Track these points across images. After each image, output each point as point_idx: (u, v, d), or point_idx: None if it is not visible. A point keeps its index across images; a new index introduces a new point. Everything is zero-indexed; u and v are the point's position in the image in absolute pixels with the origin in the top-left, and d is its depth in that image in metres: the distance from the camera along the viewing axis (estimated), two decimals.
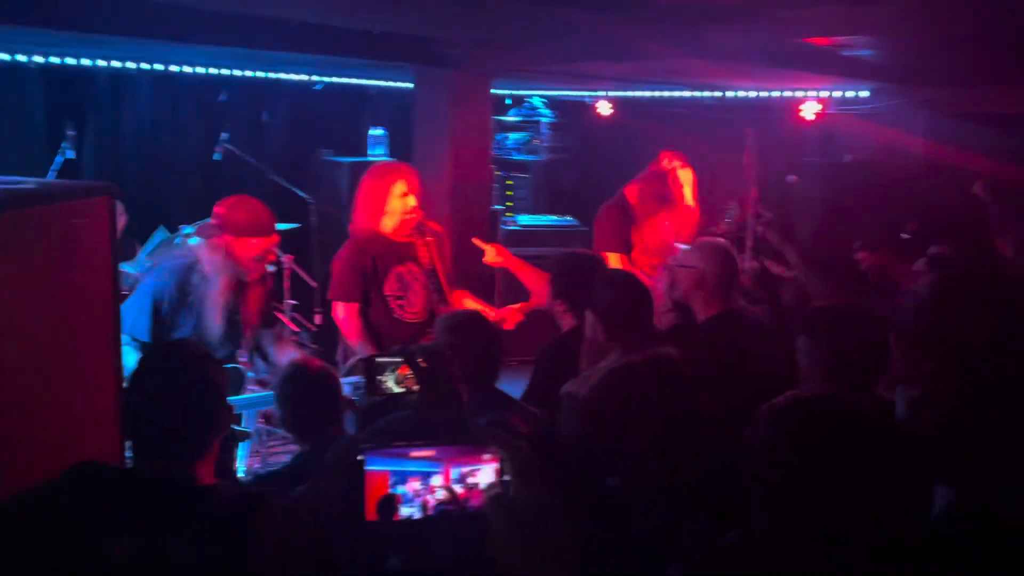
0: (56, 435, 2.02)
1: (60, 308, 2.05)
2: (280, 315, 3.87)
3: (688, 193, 4.47)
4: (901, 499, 1.23)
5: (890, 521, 1.17)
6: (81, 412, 2.12)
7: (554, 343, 3.11)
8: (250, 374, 3.43)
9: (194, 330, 3.23)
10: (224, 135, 4.99)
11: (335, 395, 2.58)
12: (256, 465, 4.28)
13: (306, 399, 2.53)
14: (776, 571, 1.16)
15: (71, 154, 4.68)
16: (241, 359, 3.43)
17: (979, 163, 4.91)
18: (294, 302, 5.20)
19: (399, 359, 1.48)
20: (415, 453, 0.95)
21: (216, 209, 3.30)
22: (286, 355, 3.60)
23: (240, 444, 3.32)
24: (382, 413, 1.63)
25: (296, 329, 5.09)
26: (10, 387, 1.86)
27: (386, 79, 6.54)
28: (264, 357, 3.65)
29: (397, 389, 1.49)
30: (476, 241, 3.92)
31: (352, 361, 3.66)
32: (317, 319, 5.11)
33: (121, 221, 4.32)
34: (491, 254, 3.82)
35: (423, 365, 1.44)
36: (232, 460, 3.32)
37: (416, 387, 1.46)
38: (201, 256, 3.26)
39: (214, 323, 3.22)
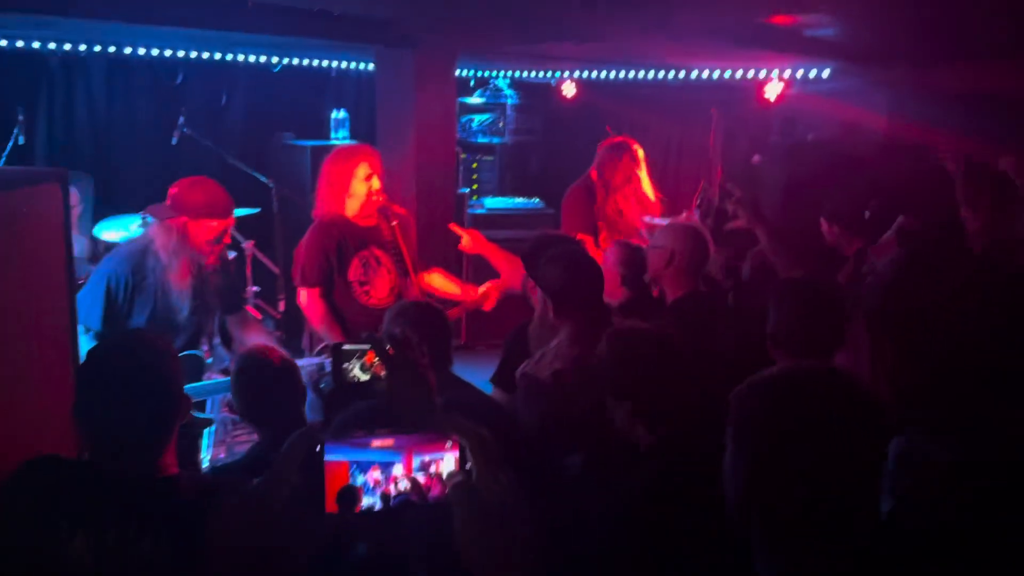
0: (12, 427, 1.96)
1: (13, 298, 1.99)
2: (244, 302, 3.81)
3: (642, 172, 4.46)
4: (872, 471, 1.22)
5: (863, 494, 1.17)
6: (37, 404, 2.06)
7: (522, 325, 3.10)
8: (209, 360, 3.36)
9: (152, 317, 3.16)
10: (181, 119, 4.87)
11: (292, 384, 2.56)
12: (221, 455, 4.23)
13: (262, 388, 2.51)
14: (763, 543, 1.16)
15: (21, 139, 4.55)
16: (203, 347, 3.37)
17: (940, 140, 4.97)
18: (256, 288, 5.12)
19: (366, 346, 1.45)
20: (375, 442, 0.91)
21: (171, 190, 3.23)
22: (255, 340, 3.55)
23: (204, 432, 3.26)
24: (348, 401, 1.60)
25: (259, 316, 5.02)
26: None
27: (347, 60, 6.44)
28: (229, 344, 3.60)
29: (364, 377, 1.46)
30: (453, 227, 3.89)
31: (320, 347, 3.63)
32: (281, 305, 5.04)
33: (76, 210, 4.22)
34: (466, 240, 3.78)
35: (390, 352, 1.41)
36: (196, 450, 3.27)
37: (383, 375, 1.43)
38: (156, 239, 3.18)
39: (175, 307, 3.15)
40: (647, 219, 4.37)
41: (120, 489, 1.59)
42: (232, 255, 4.90)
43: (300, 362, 3.32)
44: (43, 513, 1.55)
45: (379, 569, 1.33)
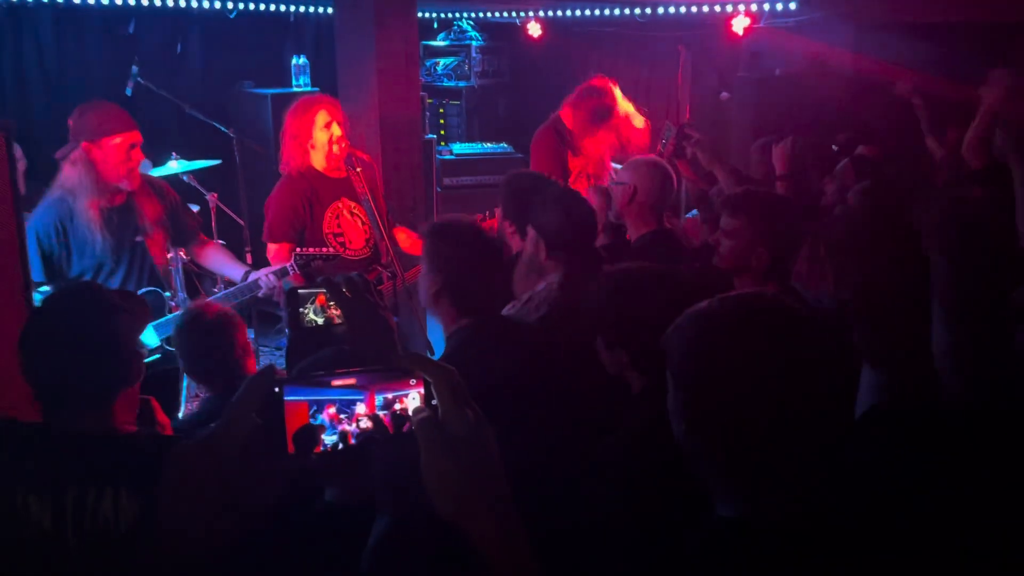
0: None
1: None
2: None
3: (627, 107, 4.37)
4: (833, 394, 1.20)
5: (825, 415, 1.15)
6: None
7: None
8: (168, 295, 3.30)
9: (87, 262, 3.08)
10: (135, 69, 4.72)
11: (234, 338, 2.56)
12: (194, 408, 4.20)
13: (202, 343, 2.51)
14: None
15: None
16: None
17: (906, 73, 4.95)
18: (222, 242, 5.03)
19: (318, 290, 1.41)
20: (336, 382, 0.88)
21: (68, 123, 3.12)
22: (222, 262, 3.54)
23: (184, 378, 3.24)
24: (308, 346, 1.58)
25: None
26: None
27: (306, 4, 6.26)
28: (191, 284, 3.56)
29: (319, 320, 1.43)
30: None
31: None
32: (248, 258, 4.97)
33: (20, 165, 4.09)
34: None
35: (347, 295, 1.38)
36: (177, 393, 3.26)
37: (340, 319, 1.40)
38: (66, 178, 3.06)
39: (96, 243, 3.05)
40: (615, 166, 4.34)
41: (76, 449, 1.56)
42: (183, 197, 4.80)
43: (218, 295, 3.33)
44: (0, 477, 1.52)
45: (345, 510, 1.32)
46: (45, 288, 2.93)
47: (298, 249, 3.32)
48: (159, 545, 0.83)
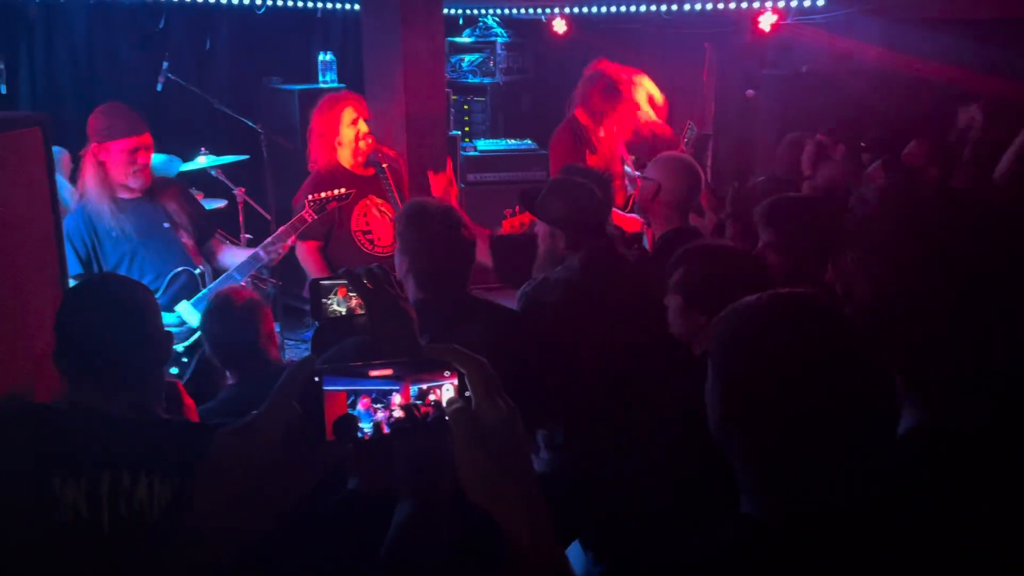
0: (5, 376, 1.97)
1: (0, 241, 1.98)
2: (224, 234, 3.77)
3: (641, 96, 4.34)
4: (871, 397, 1.17)
5: (844, 421, 1.13)
6: (30, 351, 2.06)
7: None
8: (197, 271, 3.36)
9: (121, 251, 3.16)
10: (165, 64, 4.78)
11: (260, 324, 2.58)
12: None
13: (231, 329, 2.54)
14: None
15: (3, 89, 4.47)
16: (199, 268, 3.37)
17: (935, 69, 4.90)
18: (249, 236, 5.10)
19: (340, 281, 1.44)
20: (373, 372, 0.90)
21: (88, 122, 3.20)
22: (233, 256, 3.57)
23: None
24: (333, 337, 1.60)
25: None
26: None
27: (333, 1, 6.31)
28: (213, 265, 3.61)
29: (342, 310, 1.46)
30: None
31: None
32: None
33: (66, 167, 4.18)
34: (439, 184, 3.63)
35: (368, 286, 1.41)
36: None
37: (361, 309, 1.43)
38: (83, 179, 3.17)
39: (123, 234, 3.13)
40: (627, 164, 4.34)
41: (112, 434, 1.59)
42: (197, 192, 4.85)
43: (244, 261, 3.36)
44: (29, 461, 1.54)
45: (367, 498, 1.34)
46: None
47: (310, 196, 3.34)
48: (195, 530, 0.85)
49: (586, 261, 2.49)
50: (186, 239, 3.36)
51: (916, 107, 4.88)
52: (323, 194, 3.32)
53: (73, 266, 3.02)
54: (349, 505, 1.41)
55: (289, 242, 3.32)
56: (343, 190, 3.39)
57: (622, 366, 2.23)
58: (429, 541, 1.23)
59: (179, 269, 3.25)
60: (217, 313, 2.57)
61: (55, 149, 3.68)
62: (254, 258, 3.34)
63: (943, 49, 5.00)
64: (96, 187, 3.13)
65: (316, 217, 3.31)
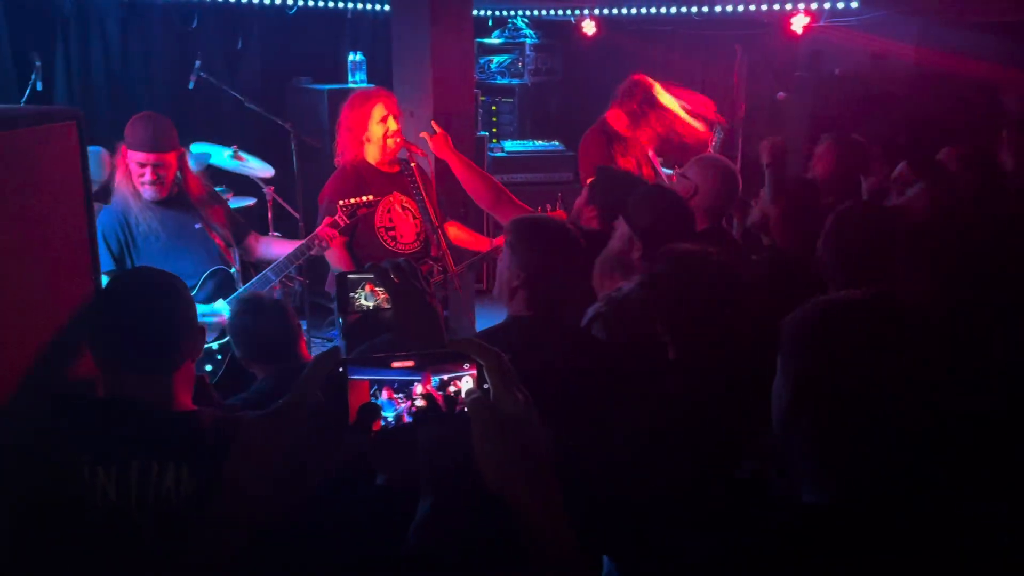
0: (35, 367, 1.98)
1: (32, 235, 1.99)
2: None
3: (670, 102, 4.33)
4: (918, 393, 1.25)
5: (909, 417, 1.22)
6: (64, 340, 2.08)
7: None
8: (232, 270, 3.40)
9: (153, 249, 3.21)
10: (197, 63, 4.83)
11: (285, 321, 2.65)
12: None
13: (259, 331, 2.61)
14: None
15: (39, 86, 4.54)
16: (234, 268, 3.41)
17: (970, 71, 4.82)
18: (277, 234, 5.13)
19: (368, 275, 1.44)
20: (396, 364, 0.93)
21: None
22: (272, 245, 3.65)
23: None
24: (365, 333, 1.60)
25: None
26: None
27: (363, 1, 6.34)
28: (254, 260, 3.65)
29: (370, 305, 1.46)
30: (433, 124, 3.66)
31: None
32: None
33: (107, 170, 4.24)
34: (434, 145, 3.59)
35: (395, 281, 1.41)
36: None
37: (388, 304, 1.43)
38: (117, 177, 3.23)
39: (156, 233, 3.19)
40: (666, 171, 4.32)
41: (141, 424, 1.61)
42: (223, 193, 4.89)
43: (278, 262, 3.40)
44: (64, 447, 1.57)
45: (395, 493, 1.35)
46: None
47: (341, 200, 3.37)
48: (223, 513, 0.88)
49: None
50: (219, 240, 3.40)
51: (952, 109, 4.80)
52: (353, 200, 3.35)
53: (106, 262, 3.07)
54: (376, 500, 1.41)
55: (328, 235, 3.36)
56: (370, 197, 3.41)
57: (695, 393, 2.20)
58: (449, 535, 1.24)
59: (214, 268, 3.29)
60: (245, 310, 2.64)
61: (95, 148, 3.76)
62: (291, 257, 3.38)
63: (979, 51, 4.92)
64: (123, 187, 3.20)
65: (348, 222, 3.34)
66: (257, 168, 5.06)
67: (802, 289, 2.43)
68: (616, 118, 4.33)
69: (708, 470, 1.78)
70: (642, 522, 1.79)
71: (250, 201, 5.24)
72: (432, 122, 3.59)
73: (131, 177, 3.21)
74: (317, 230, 3.39)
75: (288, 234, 5.28)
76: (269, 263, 3.44)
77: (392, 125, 3.60)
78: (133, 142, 3.17)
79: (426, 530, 1.24)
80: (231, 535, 0.89)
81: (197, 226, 3.32)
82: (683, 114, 4.28)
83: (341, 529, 1.43)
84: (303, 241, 3.43)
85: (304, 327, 3.46)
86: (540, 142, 6.96)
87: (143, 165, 3.19)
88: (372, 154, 3.64)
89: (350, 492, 1.41)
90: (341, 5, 6.29)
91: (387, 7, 5.95)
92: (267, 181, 5.15)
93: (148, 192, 3.22)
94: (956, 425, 1.44)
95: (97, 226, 3.06)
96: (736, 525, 1.27)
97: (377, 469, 1.43)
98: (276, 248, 3.63)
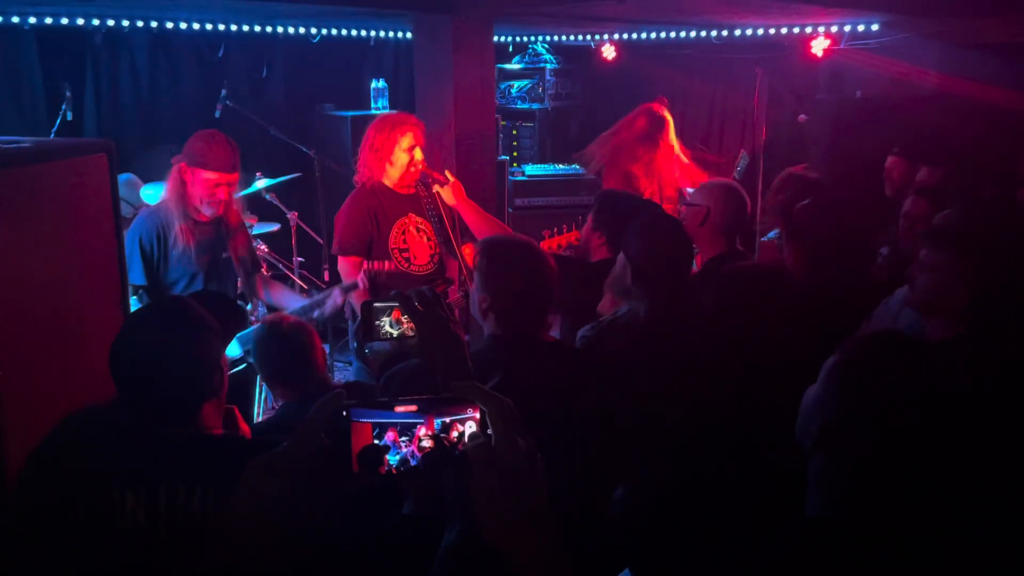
0: (69, 395, 2.02)
1: (64, 266, 2.04)
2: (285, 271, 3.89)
3: (671, 136, 4.43)
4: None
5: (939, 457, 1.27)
6: (93, 369, 2.12)
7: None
8: (248, 307, 3.47)
9: (181, 270, 3.26)
10: (224, 92, 4.92)
11: (310, 348, 2.65)
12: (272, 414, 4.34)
13: (283, 355, 2.61)
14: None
15: (69, 115, 4.64)
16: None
17: (994, 95, 4.80)
18: (301, 259, 5.18)
19: (394, 303, 1.46)
20: (399, 408, 0.94)
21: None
22: (281, 295, 3.68)
23: (257, 379, 3.39)
24: (395, 359, 1.62)
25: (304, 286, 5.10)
26: (20, 343, 1.85)
27: (386, 29, 6.43)
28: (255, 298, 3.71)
29: (395, 332, 1.47)
30: (447, 174, 3.66)
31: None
32: (326, 275, 5.11)
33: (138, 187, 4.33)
34: (447, 194, 3.60)
35: (420, 309, 1.43)
36: (250, 401, 3.37)
37: (413, 331, 1.45)
38: (167, 189, 3.25)
39: (189, 253, 3.24)
40: (688, 191, 4.35)
41: (168, 448, 1.63)
42: (252, 220, 4.94)
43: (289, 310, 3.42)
44: (95, 471, 1.59)
45: (421, 520, 1.35)
46: (139, 292, 3.11)
47: (365, 264, 3.41)
48: (227, 547, 0.88)
49: (651, 311, 2.44)
50: (240, 272, 3.47)
51: (975, 133, 4.77)
52: (376, 266, 3.40)
53: (136, 266, 3.10)
54: (403, 529, 1.42)
55: (340, 300, 3.40)
56: (395, 265, 3.48)
57: (684, 417, 2.20)
58: (476, 565, 1.24)
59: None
60: (267, 338, 2.64)
61: (126, 176, 3.83)
62: (303, 310, 3.42)
63: (1002, 74, 4.90)
64: (174, 201, 3.22)
65: (367, 284, 3.38)
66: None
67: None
68: (628, 133, 4.41)
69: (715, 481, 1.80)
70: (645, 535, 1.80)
71: (274, 227, 5.31)
72: (446, 171, 3.61)
73: (189, 195, 3.22)
74: (334, 296, 3.40)
75: (311, 259, 5.34)
76: (268, 305, 3.50)
77: (418, 155, 3.63)
78: (209, 161, 3.18)
79: (451, 560, 1.24)
80: (240, 568, 0.89)
81: (224, 255, 3.38)
82: (680, 158, 4.39)
83: (366, 558, 1.43)
84: (311, 300, 3.48)
85: (327, 351, 3.49)
86: (561, 166, 6.99)
87: (218, 184, 3.21)
88: (391, 177, 3.67)
89: (375, 521, 1.42)
90: (364, 33, 6.37)
91: (409, 34, 6.02)
92: (290, 207, 5.21)
93: (210, 210, 3.25)
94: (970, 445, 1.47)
95: (135, 228, 3.15)
96: (747, 538, 1.29)
97: (405, 498, 1.44)
98: (276, 295, 3.66)
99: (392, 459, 0.93)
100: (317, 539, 0.93)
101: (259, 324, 2.83)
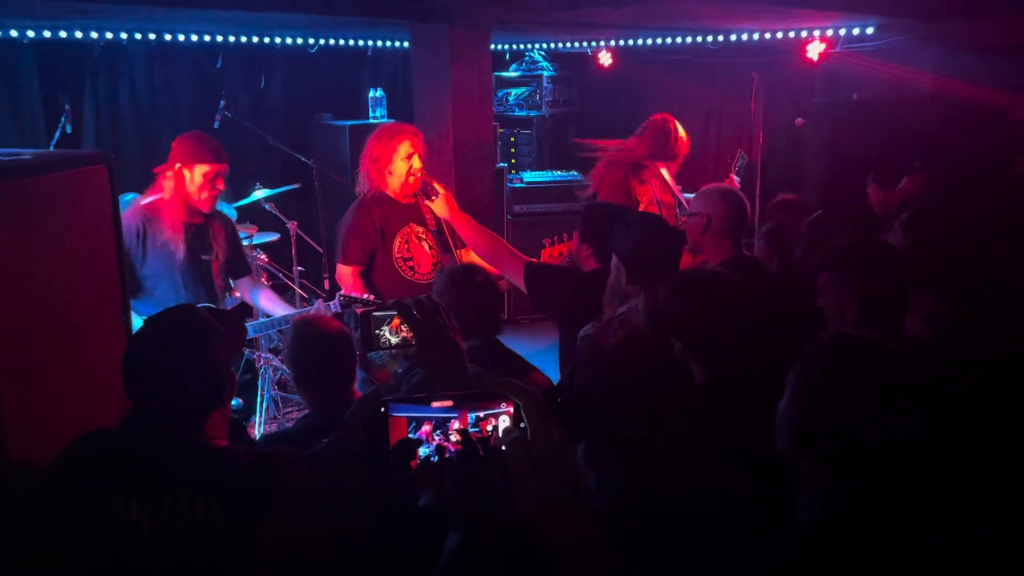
0: (68, 405, 2.02)
1: (64, 277, 2.04)
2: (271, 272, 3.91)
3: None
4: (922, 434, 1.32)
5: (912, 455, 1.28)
6: (92, 380, 2.12)
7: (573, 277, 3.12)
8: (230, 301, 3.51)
9: (157, 268, 3.33)
10: (222, 103, 4.94)
11: (348, 354, 2.50)
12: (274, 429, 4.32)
13: (319, 358, 2.45)
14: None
15: (68, 128, 4.65)
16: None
17: (990, 96, 4.81)
18: (301, 268, 5.19)
19: (392, 312, 1.47)
20: (435, 403, 0.97)
21: (172, 144, 3.44)
22: (270, 301, 3.74)
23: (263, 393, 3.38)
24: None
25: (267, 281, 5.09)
26: (21, 355, 1.85)
27: (383, 39, 6.45)
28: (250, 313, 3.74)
29: (395, 341, 1.48)
30: (437, 186, 3.60)
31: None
32: (326, 284, 5.11)
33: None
34: (440, 206, 3.54)
35: (418, 317, 1.43)
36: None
37: (412, 340, 1.45)
38: (156, 190, 3.41)
39: (174, 253, 3.33)
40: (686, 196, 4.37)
41: (172, 461, 1.63)
42: (252, 232, 4.96)
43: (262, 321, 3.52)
44: (100, 483, 1.59)
45: (436, 514, 1.36)
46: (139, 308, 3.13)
47: (341, 293, 3.48)
48: (267, 552, 0.90)
49: (648, 303, 2.46)
50: (218, 276, 3.53)
51: (970, 135, 4.78)
52: (354, 295, 3.46)
53: None
54: (418, 521, 1.42)
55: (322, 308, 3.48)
56: (371, 296, 3.48)
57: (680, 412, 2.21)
58: (479, 570, 1.25)
59: (202, 305, 3.32)
60: (309, 340, 2.47)
61: (128, 196, 3.86)
62: (274, 323, 3.55)
63: (998, 75, 4.91)
64: (169, 199, 3.36)
65: (339, 311, 3.43)
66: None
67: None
68: (638, 147, 4.39)
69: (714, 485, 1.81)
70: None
71: (274, 236, 5.31)
72: (436, 184, 3.61)
73: (183, 192, 3.36)
74: (313, 312, 3.45)
75: (311, 269, 5.35)
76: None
77: (416, 163, 3.64)
78: (199, 155, 3.36)
79: (455, 564, 1.24)
80: (276, 571, 0.92)
81: (204, 257, 3.46)
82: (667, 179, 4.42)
83: (384, 550, 1.44)
84: (293, 311, 3.57)
85: None
86: (558, 172, 7.01)
87: (216, 175, 3.40)
88: (392, 187, 3.68)
89: (393, 513, 1.42)
90: (361, 43, 6.39)
91: (406, 44, 6.04)
92: (290, 216, 5.22)
93: (208, 204, 3.41)
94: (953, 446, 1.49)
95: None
96: (744, 544, 1.31)
97: (422, 490, 1.44)
98: (264, 301, 3.73)
99: (424, 452, 0.96)
100: (357, 535, 0.95)
101: (300, 321, 2.72)
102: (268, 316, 3.68)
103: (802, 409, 1.32)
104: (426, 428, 0.96)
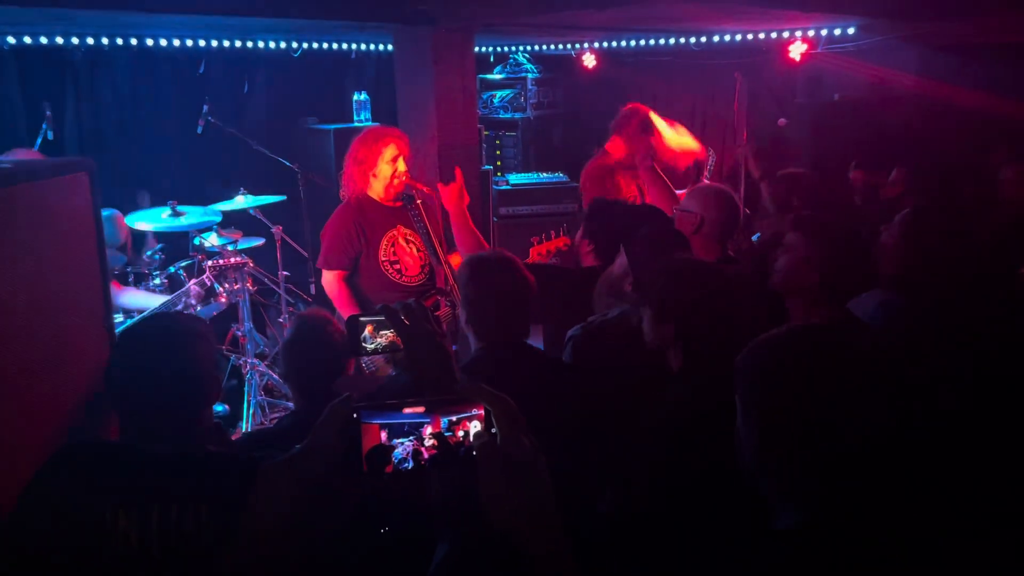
0: (52, 414, 2.01)
1: (46, 287, 2.03)
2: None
3: (663, 127, 4.42)
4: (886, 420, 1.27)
5: (877, 442, 1.23)
6: (76, 390, 2.11)
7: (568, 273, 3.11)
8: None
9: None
10: (205, 108, 4.91)
11: (339, 355, 2.52)
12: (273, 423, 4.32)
13: (314, 356, 2.48)
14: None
15: (50, 135, 4.62)
16: (239, 331, 3.48)
17: (971, 96, 4.86)
18: (287, 273, 5.17)
19: (380, 317, 1.47)
20: (407, 409, 0.97)
21: None
22: (134, 296, 3.84)
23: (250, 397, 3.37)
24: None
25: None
26: (1, 364, 1.84)
27: (367, 42, 6.44)
28: (263, 329, 3.73)
29: (382, 346, 1.48)
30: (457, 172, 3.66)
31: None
32: (312, 288, 5.10)
33: (123, 232, 4.34)
34: (454, 193, 3.54)
35: (405, 322, 1.43)
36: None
37: (400, 344, 1.45)
38: None
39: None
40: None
41: (158, 469, 1.62)
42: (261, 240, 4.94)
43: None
44: (86, 494, 1.58)
45: (408, 530, 1.36)
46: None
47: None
48: (243, 559, 0.90)
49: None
50: None
51: (951, 134, 4.83)
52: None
53: None
54: (391, 546, 1.42)
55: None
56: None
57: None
58: None
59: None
60: (308, 339, 2.47)
61: (110, 212, 3.84)
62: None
63: (978, 75, 4.96)
64: None
65: (201, 291, 3.45)
66: (197, 221, 4.69)
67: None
68: (617, 147, 4.39)
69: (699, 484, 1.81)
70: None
71: (259, 241, 5.29)
72: (456, 169, 3.61)
73: None
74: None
75: (297, 273, 5.33)
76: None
77: (401, 166, 3.65)
78: None
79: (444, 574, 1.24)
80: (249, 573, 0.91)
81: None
82: (676, 137, 4.35)
83: (361, 565, 1.43)
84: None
85: None
86: (544, 174, 7.01)
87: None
88: (376, 190, 3.68)
89: (363, 537, 1.42)
90: (345, 46, 6.38)
91: (390, 47, 6.03)
92: (275, 221, 5.20)
93: None
94: (919, 440, 1.48)
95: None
96: (733, 543, 1.29)
97: (389, 501, 1.44)
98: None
99: (398, 457, 0.96)
100: (330, 542, 0.95)
101: (298, 317, 2.70)
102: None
103: (757, 425, 1.27)
104: (404, 436, 0.96)
